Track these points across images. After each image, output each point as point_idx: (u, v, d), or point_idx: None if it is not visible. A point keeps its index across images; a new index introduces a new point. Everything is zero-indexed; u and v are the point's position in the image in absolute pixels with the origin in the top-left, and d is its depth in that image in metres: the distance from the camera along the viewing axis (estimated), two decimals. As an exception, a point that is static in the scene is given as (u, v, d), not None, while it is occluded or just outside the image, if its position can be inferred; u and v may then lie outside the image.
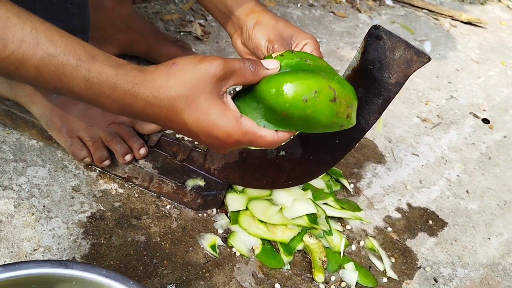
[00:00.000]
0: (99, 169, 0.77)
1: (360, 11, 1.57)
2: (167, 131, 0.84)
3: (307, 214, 0.74)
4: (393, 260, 0.77)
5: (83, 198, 0.72)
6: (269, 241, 0.73)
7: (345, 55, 1.31)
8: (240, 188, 0.78)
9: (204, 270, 0.68)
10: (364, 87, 0.63)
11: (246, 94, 0.56)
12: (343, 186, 0.88)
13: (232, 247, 0.72)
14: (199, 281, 0.66)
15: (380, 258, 0.77)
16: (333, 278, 0.71)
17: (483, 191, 0.98)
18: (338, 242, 0.75)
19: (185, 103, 0.49)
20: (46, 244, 0.65)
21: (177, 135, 0.87)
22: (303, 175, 0.74)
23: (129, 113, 0.51)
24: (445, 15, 1.70)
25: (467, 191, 0.97)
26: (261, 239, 0.73)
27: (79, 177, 0.75)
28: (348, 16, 1.52)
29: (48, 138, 0.77)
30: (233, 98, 0.55)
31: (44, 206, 0.69)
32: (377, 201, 0.88)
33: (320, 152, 0.72)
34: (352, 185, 0.89)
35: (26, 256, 0.63)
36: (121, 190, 0.75)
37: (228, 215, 0.76)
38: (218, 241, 0.72)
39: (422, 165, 1.00)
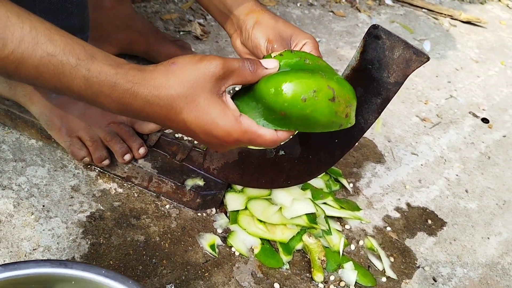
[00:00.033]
0: (98, 168, 0.77)
1: (359, 11, 1.57)
2: (166, 131, 0.84)
3: (306, 214, 0.74)
4: (392, 259, 0.77)
5: (82, 198, 0.72)
6: (268, 240, 0.73)
7: (344, 54, 1.31)
8: (239, 187, 0.78)
9: (203, 270, 0.68)
10: (363, 86, 0.63)
11: (245, 93, 0.56)
12: (343, 186, 0.88)
13: (231, 246, 0.72)
14: (198, 280, 0.66)
15: (379, 258, 0.77)
16: (332, 278, 0.71)
17: (482, 190, 0.98)
18: (337, 241, 0.75)
19: (185, 102, 0.49)
20: (45, 244, 0.65)
21: (176, 135, 0.87)
22: (302, 174, 0.74)
23: (129, 113, 0.51)
24: (445, 14, 1.70)
25: (466, 191, 0.97)
26: (260, 238, 0.73)
27: (79, 177, 0.75)
28: (348, 15, 1.52)
29: (47, 138, 0.77)
30: (232, 98, 0.55)
31: (43, 206, 0.70)
32: (376, 200, 0.88)
33: (319, 152, 0.72)
34: (351, 185, 0.89)
35: (25, 255, 0.63)
36: (120, 190, 0.75)
37: (228, 215, 0.76)
38: (218, 241, 0.72)
39: (422, 165, 1.00)
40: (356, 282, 0.71)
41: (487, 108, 1.27)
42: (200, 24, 1.23)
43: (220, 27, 1.22)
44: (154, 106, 0.49)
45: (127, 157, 0.73)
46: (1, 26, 0.42)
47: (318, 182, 0.83)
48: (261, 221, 0.74)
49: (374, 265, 0.76)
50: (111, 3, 0.93)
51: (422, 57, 0.59)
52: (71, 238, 0.67)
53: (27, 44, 0.43)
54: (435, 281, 0.76)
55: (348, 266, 0.73)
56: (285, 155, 0.73)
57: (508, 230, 0.90)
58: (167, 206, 0.75)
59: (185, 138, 0.87)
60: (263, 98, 0.53)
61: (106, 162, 0.74)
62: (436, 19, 1.67)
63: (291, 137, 0.81)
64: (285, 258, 0.72)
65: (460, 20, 1.71)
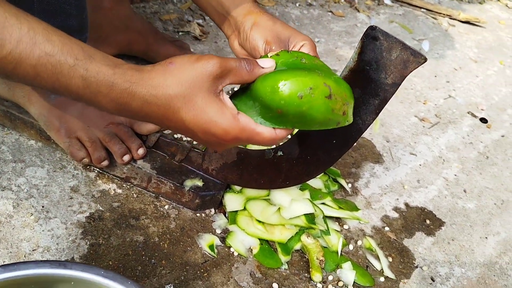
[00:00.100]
0: (97, 169, 0.77)
1: (358, 11, 1.57)
2: (165, 132, 0.84)
3: (305, 214, 0.74)
4: (390, 259, 0.78)
5: (81, 199, 0.72)
6: (267, 241, 0.74)
7: (343, 54, 1.31)
8: (238, 188, 0.78)
9: (202, 270, 0.68)
10: (361, 87, 0.64)
11: (242, 93, 0.56)
12: (341, 186, 0.88)
13: (230, 247, 0.72)
14: (197, 280, 0.66)
15: (377, 258, 0.77)
16: (330, 278, 0.72)
17: (481, 190, 0.99)
18: (335, 241, 0.76)
19: (183, 102, 0.50)
20: (45, 245, 0.65)
21: (175, 135, 0.87)
22: (300, 175, 0.74)
23: (127, 113, 0.51)
24: (444, 14, 1.70)
25: (465, 191, 0.97)
26: (259, 239, 0.73)
27: (78, 178, 0.75)
28: (347, 15, 1.53)
29: (46, 139, 0.77)
30: (230, 98, 0.55)
31: (43, 207, 0.70)
32: (375, 200, 0.88)
33: (318, 152, 0.72)
34: (350, 185, 0.89)
35: (25, 256, 0.63)
36: (119, 191, 0.75)
37: (226, 215, 0.76)
38: (216, 241, 0.72)
39: (420, 165, 1.00)
40: (354, 282, 0.72)
41: (485, 108, 1.27)
42: (199, 24, 1.23)
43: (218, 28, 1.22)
44: (152, 106, 0.50)
45: (126, 157, 0.74)
46: None
47: (316, 182, 0.83)
48: (259, 221, 0.74)
49: (373, 265, 0.76)
50: (110, 4, 0.93)
51: (419, 58, 0.59)
52: (70, 239, 0.67)
53: (25, 45, 0.43)
54: (433, 280, 0.77)
55: (347, 266, 0.73)
56: (284, 156, 0.73)
57: (506, 229, 0.91)
58: (166, 207, 0.75)
59: (184, 139, 0.87)
60: (260, 97, 0.53)
61: (105, 162, 0.74)
62: (435, 19, 1.67)
63: (289, 137, 0.81)
64: (284, 258, 0.72)
65: (459, 20, 1.71)
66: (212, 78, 0.50)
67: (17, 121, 0.77)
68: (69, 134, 0.73)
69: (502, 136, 1.18)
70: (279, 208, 0.75)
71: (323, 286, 0.70)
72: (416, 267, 0.78)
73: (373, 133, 1.05)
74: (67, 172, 0.76)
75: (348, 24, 1.48)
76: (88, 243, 0.67)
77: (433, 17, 1.68)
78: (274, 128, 0.55)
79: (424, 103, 1.21)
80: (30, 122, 0.76)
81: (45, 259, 0.63)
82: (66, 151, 0.75)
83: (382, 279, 0.74)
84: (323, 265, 0.72)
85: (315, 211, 0.76)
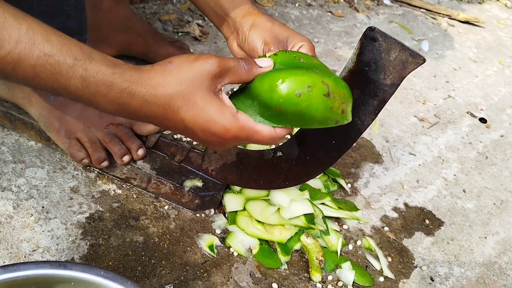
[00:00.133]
0: (97, 170, 0.77)
1: (358, 11, 1.57)
2: (165, 132, 0.84)
3: (304, 214, 0.74)
4: (389, 259, 0.78)
5: (81, 199, 0.73)
6: (266, 241, 0.74)
7: (342, 55, 1.31)
8: (237, 188, 0.79)
9: (202, 270, 0.68)
10: (359, 88, 0.64)
11: (241, 93, 0.56)
12: (341, 186, 0.88)
13: (229, 247, 0.72)
14: (197, 281, 0.67)
15: (377, 258, 0.77)
16: (330, 278, 0.72)
17: (480, 190, 0.99)
18: (335, 241, 0.76)
19: (182, 101, 0.50)
20: (45, 245, 0.65)
21: (175, 136, 0.87)
22: (300, 175, 0.74)
23: (126, 113, 0.51)
24: (443, 14, 1.70)
25: (464, 191, 0.97)
26: (259, 239, 0.73)
27: (78, 178, 0.75)
28: (346, 15, 1.53)
29: (46, 139, 0.77)
30: (229, 98, 0.55)
31: (43, 207, 0.70)
32: (374, 200, 0.88)
33: (317, 153, 0.72)
34: (349, 185, 0.89)
35: (25, 257, 0.63)
36: (119, 191, 0.76)
37: (226, 216, 0.76)
38: (216, 241, 0.72)
39: (419, 165, 1.01)
40: (354, 282, 0.72)
41: (485, 108, 1.27)
42: (198, 25, 1.23)
43: (218, 28, 1.22)
44: (151, 105, 0.50)
45: (126, 158, 0.74)
46: None
47: (316, 182, 0.84)
48: (259, 221, 0.74)
49: (372, 265, 0.76)
50: (109, 5, 0.94)
51: (418, 59, 0.59)
52: (70, 239, 0.67)
53: (24, 45, 0.44)
54: (433, 280, 0.77)
55: (346, 266, 0.73)
56: (283, 156, 0.74)
57: (506, 229, 0.91)
58: (166, 207, 0.75)
59: (184, 139, 0.88)
60: (258, 95, 0.53)
61: (105, 163, 0.74)
62: (435, 19, 1.67)
63: (288, 137, 0.82)
64: (283, 258, 0.72)
65: (458, 20, 1.71)
66: (211, 77, 0.50)
67: (17, 122, 0.78)
68: (69, 135, 0.73)
69: (502, 136, 1.18)
70: (278, 208, 0.75)
71: (322, 286, 0.71)
72: (416, 267, 0.78)
73: (372, 133, 1.05)
74: (67, 173, 0.76)
75: (348, 24, 1.48)
76: (88, 243, 0.67)
77: (432, 17, 1.68)
78: (273, 127, 0.55)
79: (423, 103, 1.21)
80: (30, 123, 0.77)
81: (45, 260, 0.63)
82: (66, 152, 0.75)
83: (381, 279, 0.74)
84: (322, 265, 0.72)
85: (315, 211, 0.76)
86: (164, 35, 1.05)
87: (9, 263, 0.60)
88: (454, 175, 1.01)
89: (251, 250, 0.73)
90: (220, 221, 0.75)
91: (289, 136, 0.92)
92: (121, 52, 0.99)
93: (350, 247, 0.78)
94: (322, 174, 0.86)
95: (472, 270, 0.81)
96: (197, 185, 0.75)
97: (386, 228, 0.83)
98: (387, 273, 0.75)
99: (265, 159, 0.74)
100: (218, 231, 0.74)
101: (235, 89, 0.58)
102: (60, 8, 0.65)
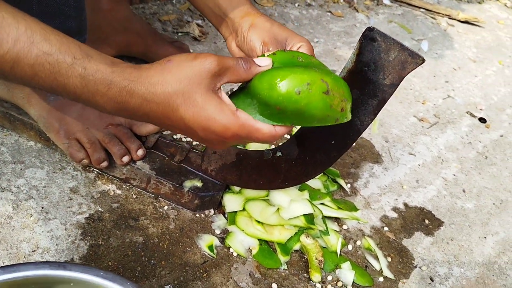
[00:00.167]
0: (97, 170, 0.77)
1: (357, 11, 1.57)
2: (164, 133, 0.84)
3: (304, 215, 0.74)
4: (389, 259, 0.78)
5: (81, 200, 0.73)
6: (266, 241, 0.74)
7: (342, 54, 1.31)
8: (237, 189, 0.79)
9: (201, 271, 0.68)
10: (359, 88, 0.64)
11: (240, 92, 0.56)
12: (340, 186, 0.88)
13: (229, 247, 0.72)
14: (196, 281, 0.67)
15: (376, 258, 0.77)
16: (329, 278, 0.72)
17: (480, 190, 0.99)
18: (334, 242, 0.76)
19: (182, 99, 0.50)
20: (44, 246, 0.65)
21: (174, 136, 0.87)
22: (299, 175, 0.75)
23: (125, 112, 0.51)
24: (443, 14, 1.70)
25: (464, 191, 0.97)
26: (258, 239, 0.73)
27: (77, 179, 0.76)
28: (346, 15, 1.53)
29: (46, 140, 0.77)
30: (228, 97, 0.55)
31: (42, 208, 0.70)
32: (374, 200, 0.88)
33: (316, 153, 0.72)
34: (349, 185, 0.89)
35: (24, 257, 0.63)
36: (119, 191, 0.76)
37: (226, 216, 0.76)
38: (216, 242, 0.72)
39: (419, 165, 1.01)
40: (353, 282, 0.72)
41: (484, 108, 1.27)
42: (198, 25, 1.23)
43: (218, 28, 1.22)
44: (151, 104, 0.50)
45: (126, 159, 0.74)
46: None
47: (315, 182, 0.84)
48: (259, 222, 0.74)
49: (372, 265, 0.76)
50: (109, 5, 0.94)
51: (417, 59, 0.59)
52: (70, 240, 0.67)
53: (22, 44, 0.43)
54: (432, 280, 0.77)
55: (346, 266, 0.73)
56: (283, 157, 0.74)
57: (505, 229, 0.91)
58: (166, 208, 0.75)
59: (183, 139, 0.88)
60: (258, 94, 0.53)
61: (105, 164, 0.74)
62: (434, 18, 1.68)
63: (288, 137, 0.82)
64: (283, 258, 0.72)
65: (458, 20, 1.71)
66: (210, 75, 0.50)
67: (17, 122, 0.78)
68: (69, 135, 0.73)
69: (501, 136, 1.18)
70: (278, 209, 0.75)
71: (322, 286, 0.71)
72: (415, 267, 0.78)
73: (372, 133, 1.05)
74: (66, 173, 0.76)
75: (347, 24, 1.48)
76: (88, 244, 0.67)
77: (432, 17, 1.68)
78: (273, 125, 0.55)
79: (423, 103, 1.21)
80: (29, 123, 0.77)
81: (45, 260, 0.63)
82: (65, 152, 0.75)
83: (381, 279, 0.74)
84: (322, 265, 0.72)
85: (314, 211, 0.76)
86: (163, 35, 1.05)
87: (8, 264, 0.60)
88: (454, 175, 1.01)
89: (251, 250, 0.73)
90: (219, 222, 0.75)
91: (288, 136, 0.92)
92: (121, 53, 0.99)
93: (350, 247, 0.78)
94: (322, 174, 0.86)
95: (471, 270, 0.81)
96: (196, 185, 0.75)
97: (385, 228, 0.83)
98: (387, 273, 0.75)
99: (264, 159, 0.74)
100: (217, 232, 0.74)
101: (234, 90, 0.58)
102: (59, 8, 0.65)
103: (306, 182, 0.80)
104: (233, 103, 0.54)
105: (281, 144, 0.76)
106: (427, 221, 0.87)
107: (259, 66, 0.54)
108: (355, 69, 0.63)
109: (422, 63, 0.60)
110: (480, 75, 1.42)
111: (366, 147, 1.01)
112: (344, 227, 0.81)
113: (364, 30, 0.61)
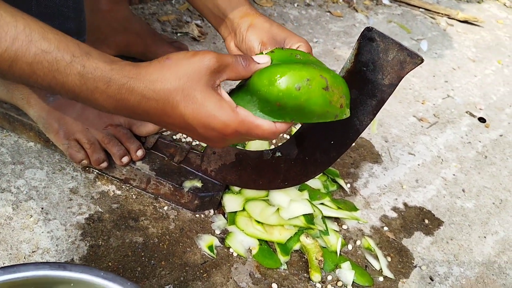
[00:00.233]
0: (96, 171, 0.77)
1: (357, 11, 1.57)
2: (164, 133, 0.84)
3: (303, 215, 0.74)
4: (389, 259, 0.78)
5: (81, 200, 0.73)
6: (266, 241, 0.74)
7: (341, 54, 1.31)
8: (237, 189, 0.79)
9: (201, 271, 0.68)
10: (358, 88, 0.64)
11: (239, 90, 0.56)
12: (340, 186, 0.88)
13: (229, 247, 0.72)
14: (196, 281, 0.67)
15: (376, 257, 0.77)
16: (329, 278, 0.72)
17: (479, 189, 0.99)
18: (334, 241, 0.76)
19: (181, 96, 0.49)
20: (44, 246, 0.66)
21: (174, 137, 0.87)
22: (299, 175, 0.75)
23: (125, 110, 0.50)
24: (442, 14, 1.70)
25: (463, 190, 0.97)
26: (258, 239, 0.74)
27: (77, 179, 0.76)
28: (345, 15, 1.53)
29: (45, 141, 0.77)
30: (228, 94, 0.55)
31: (42, 208, 0.70)
32: (374, 200, 0.88)
33: (316, 153, 0.72)
34: (348, 185, 0.89)
35: (24, 258, 0.63)
36: (118, 192, 0.76)
37: (225, 216, 0.76)
38: (216, 242, 0.72)
39: (419, 165, 1.01)
40: (353, 282, 0.72)
41: (484, 108, 1.27)
42: (197, 25, 1.23)
43: (217, 29, 1.22)
44: (150, 101, 0.49)
45: (125, 159, 0.74)
46: None
47: (315, 182, 0.84)
48: (258, 222, 0.74)
49: (371, 265, 0.76)
50: (108, 5, 0.94)
51: (416, 59, 0.59)
52: (70, 240, 0.67)
53: (21, 42, 0.43)
54: (432, 280, 0.77)
55: (346, 266, 0.73)
56: (282, 157, 0.74)
57: (505, 229, 0.91)
58: (165, 208, 0.75)
59: (183, 139, 0.88)
60: (257, 90, 0.53)
61: (104, 164, 0.74)
62: (433, 18, 1.68)
63: (287, 137, 0.82)
64: (283, 258, 0.72)
65: (457, 20, 1.71)
66: (209, 72, 0.50)
67: (16, 123, 0.78)
68: (68, 136, 0.73)
69: (501, 135, 1.18)
70: (278, 209, 0.75)
71: (322, 286, 0.71)
72: (415, 266, 0.78)
73: (371, 133, 1.05)
74: (66, 174, 0.76)
75: (347, 24, 1.48)
76: (88, 244, 0.67)
77: (431, 17, 1.68)
78: (274, 122, 0.55)
79: (422, 103, 1.21)
80: (29, 124, 0.77)
81: (45, 261, 0.63)
82: (65, 153, 0.75)
83: (381, 278, 0.74)
84: (322, 265, 0.72)
85: (314, 211, 0.76)
86: (163, 35, 1.05)
87: (8, 264, 0.60)
88: (453, 174, 1.01)
89: (251, 250, 0.73)
90: (219, 222, 0.75)
91: (288, 136, 0.92)
92: (120, 53, 0.99)
93: (350, 247, 0.78)
94: (321, 174, 0.86)
95: (471, 270, 0.81)
96: (196, 185, 0.75)
97: (385, 228, 0.83)
98: (387, 273, 0.75)
99: (264, 159, 0.74)
100: (217, 232, 0.74)
101: (232, 88, 0.58)
102: (58, 9, 0.65)
103: (305, 182, 0.80)
104: (233, 100, 0.54)
105: (280, 144, 0.76)
106: (426, 221, 0.87)
107: (258, 63, 0.54)
108: (354, 69, 0.63)
109: (421, 63, 0.60)
110: (479, 75, 1.43)
111: (366, 147, 1.01)
112: (344, 227, 0.81)
113: (362, 30, 0.61)
